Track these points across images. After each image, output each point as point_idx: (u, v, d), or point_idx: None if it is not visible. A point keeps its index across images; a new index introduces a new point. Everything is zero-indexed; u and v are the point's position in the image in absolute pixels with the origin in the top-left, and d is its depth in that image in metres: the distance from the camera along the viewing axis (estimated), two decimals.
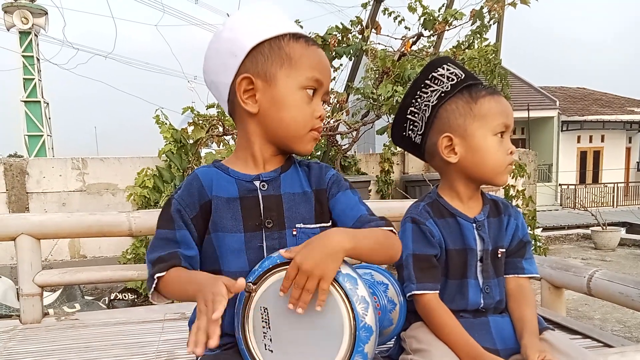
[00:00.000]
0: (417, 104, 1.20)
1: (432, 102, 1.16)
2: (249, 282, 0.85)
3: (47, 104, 14.91)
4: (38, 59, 14.59)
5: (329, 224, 0.99)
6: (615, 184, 16.23)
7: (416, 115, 1.20)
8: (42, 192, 5.05)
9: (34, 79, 14.36)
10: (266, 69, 0.91)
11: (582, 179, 17.73)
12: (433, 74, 1.17)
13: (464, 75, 1.16)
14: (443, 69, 1.17)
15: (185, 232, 0.92)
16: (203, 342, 0.68)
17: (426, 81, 1.18)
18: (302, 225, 0.95)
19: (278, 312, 0.83)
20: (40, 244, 1.73)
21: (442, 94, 1.15)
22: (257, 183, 0.96)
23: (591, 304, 4.27)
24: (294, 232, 0.94)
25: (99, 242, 5.18)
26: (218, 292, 0.71)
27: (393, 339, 1.23)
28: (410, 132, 1.23)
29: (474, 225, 1.15)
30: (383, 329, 1.16)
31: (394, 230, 0.93)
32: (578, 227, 9.26)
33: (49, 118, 15.00)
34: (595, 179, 17.76)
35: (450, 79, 1.16)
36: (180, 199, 0.94)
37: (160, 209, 0.97)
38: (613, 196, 15.91)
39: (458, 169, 1.16)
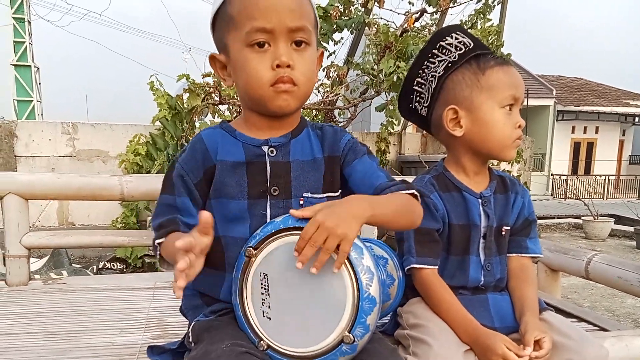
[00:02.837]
0: (424, 74, 1.17)
1: (439, 73, 1.13)
2: (250, 247, 0.82)
3: (38, 68, 14.59)
4: (29, 22, 14.20)
5: (338, 193, 0.95)
6: (607, 176, 16.33)
7: (423, 86, 1.18)
8: (30, 155, 4.95)
9: (24, 42, 13.99)
10: (222, 39, 0.90)
11: (574, 170, 17.83)
12: (441, 43, 1.14)
13: (472, 45, 1.12)
14: (451, 37, 1.13)
15: (185, 199, 0.90)
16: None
17: (434, 50, 1.14)
18: (310, 195, 0.92)
19: (279, 279, 0.80)
20: (28, 205, 1.68)
21: (449, 64, 1.12)
22: (265, 148, 0.92)
23: (580, 292, 4.32)
24: (301, 202, 0.91)
25: (88, 210, 5.12)
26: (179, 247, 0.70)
27: (389, 315, 1.20)
28: (416, 104, 1.21)
29: (480, 200, 1.12)
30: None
31: (415, 192, 0.89)
32: (567, 217, 9.34)
33: (39, 83, 14.71)
34: (587, 170, 17.87)
35: (458, 48, 1.12)
36: (183, 163, 0.91)
37: (165, 174, 0.94)
38: (604, 188, 16.03)
39: (464, 143, 1.12)
